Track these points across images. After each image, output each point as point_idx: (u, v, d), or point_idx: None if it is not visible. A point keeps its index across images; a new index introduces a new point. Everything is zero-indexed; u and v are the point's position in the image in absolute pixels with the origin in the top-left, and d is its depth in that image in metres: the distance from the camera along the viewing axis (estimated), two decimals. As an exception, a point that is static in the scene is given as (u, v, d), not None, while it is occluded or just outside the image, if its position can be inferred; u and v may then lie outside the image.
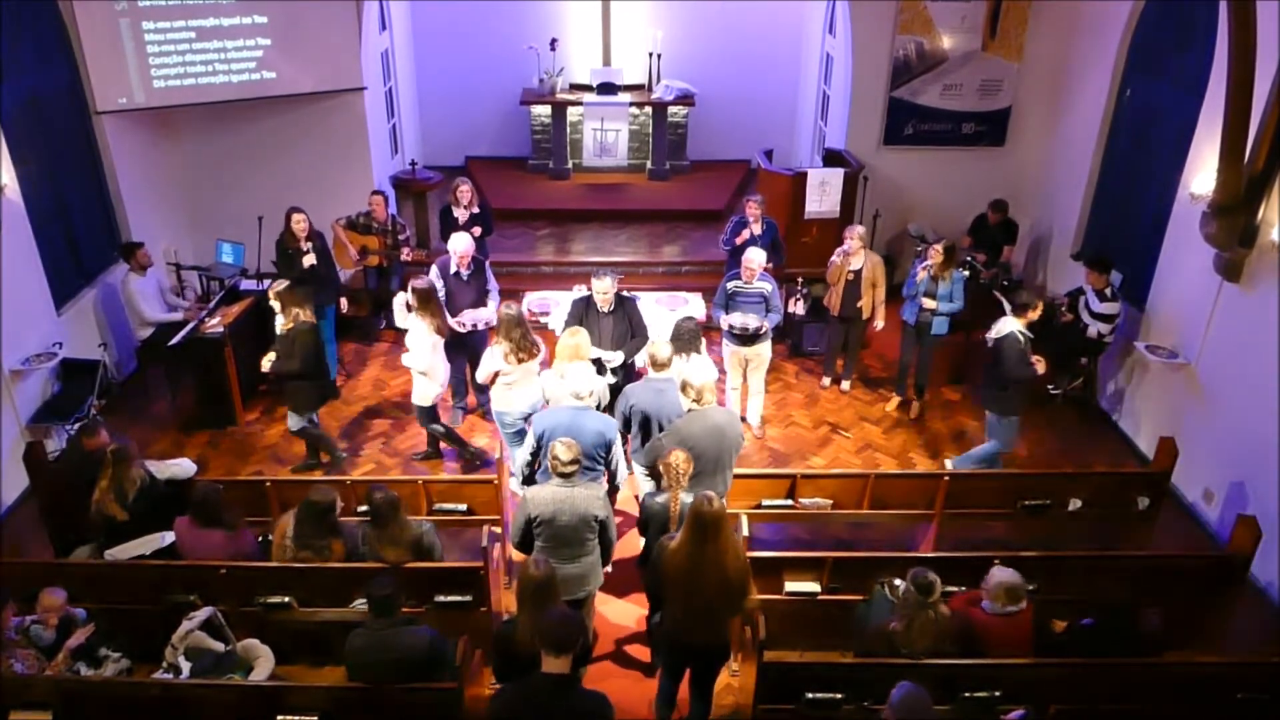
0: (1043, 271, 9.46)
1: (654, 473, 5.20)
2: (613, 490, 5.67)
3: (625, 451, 5.70)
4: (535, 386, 6.39)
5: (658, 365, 5.71)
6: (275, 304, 6.59)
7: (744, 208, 7.98)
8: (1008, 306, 6.87)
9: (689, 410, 5.33)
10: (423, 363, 6.59)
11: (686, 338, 6.25)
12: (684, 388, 5.32)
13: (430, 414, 6.99)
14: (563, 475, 4.75)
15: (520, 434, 6.39)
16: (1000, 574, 4.62)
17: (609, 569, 5.23)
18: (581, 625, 3.87)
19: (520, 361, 6.21)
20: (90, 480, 5.38)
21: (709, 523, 4.24)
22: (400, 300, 6.70)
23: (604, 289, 6.43)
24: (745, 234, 7.82)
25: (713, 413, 5.32)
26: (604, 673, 5.52)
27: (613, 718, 3.79)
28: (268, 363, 6.65)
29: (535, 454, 5.46)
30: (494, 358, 6.24)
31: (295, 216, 7.48)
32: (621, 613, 5.94)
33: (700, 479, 5.05)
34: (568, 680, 3.69)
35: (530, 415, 6.30)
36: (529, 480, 5.54)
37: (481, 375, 6.42)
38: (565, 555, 4.86)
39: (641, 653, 5.67)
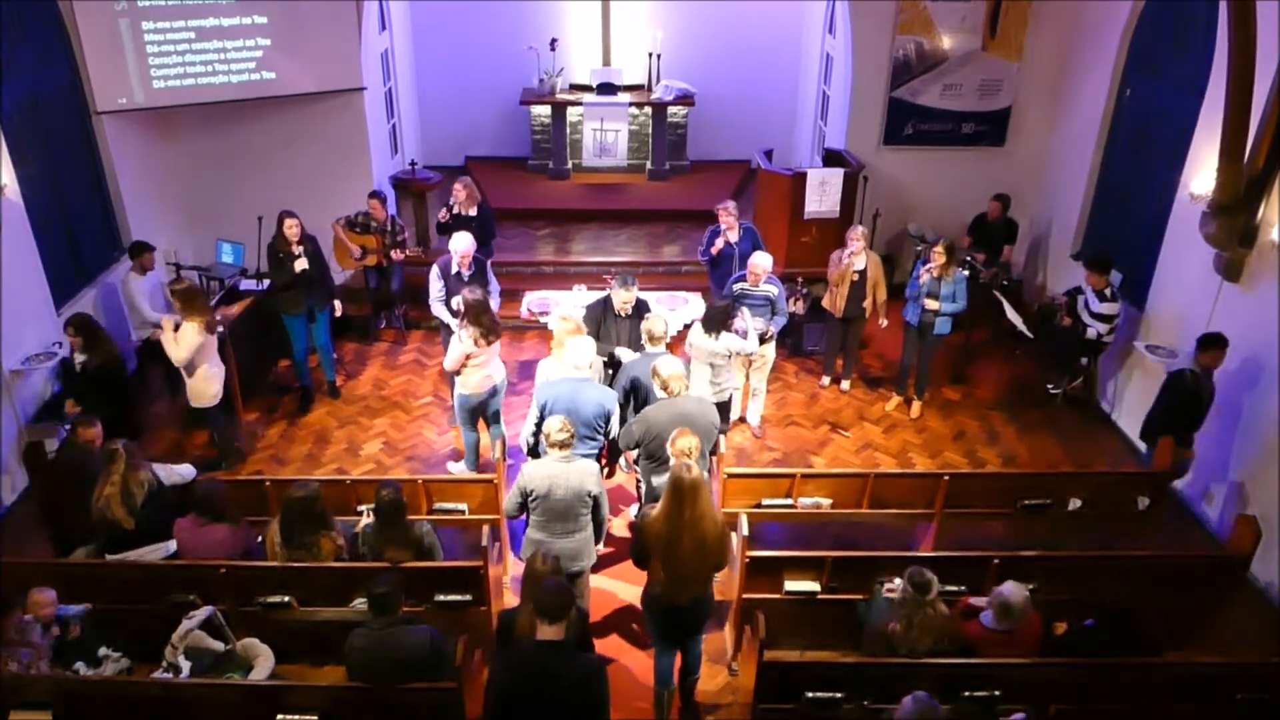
0: (1042, 271, 9.46)
1: (649, 455, 5.50)
2: (614, 459, 6.23)
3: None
4: (496, 367, 6.70)
5: (654, 339, 5.92)
6: (75, 340, 6.20)
7: (719, 217, 7.77)
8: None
9: (659, 399, 5.49)
10: (186, 360, 6.51)
11: (717, 318, 6.47)
12: (652, 374, 5.50)
13: (203, 416, 6.87)
14: (558, 450, 4.94)
15: (474, 416, 6.76)
16: (1005, 588, 4.58)
17: (600, 547, 5.39)
18: (573, 596, 4.02)
19: (488, 344, 6.41)
20: (90, 477, 5.37)
21: (687, 490, 4.46)
22: (168, 322, 6.50)
23: (627, 298, 6.48)
24: (719, 243, 7.74)
25: (681, 402, 5.48)
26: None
27: (605, 680, 3.97)
28: (71, 405, 6.37)
29: (539, 425, 5.64)
30: (464, 343, 6.37)
31: (287, 221, 7.41)
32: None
33: (668, 464, 5.15)
34: (562, 646, 3.88)
35: (491, 396, 6.67)
36: (533, 451, 5.77)
37: (451, 363, 6.50)
38: (559, 530, 5.04)
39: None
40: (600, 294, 6.92)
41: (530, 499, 5.02)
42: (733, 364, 6.80)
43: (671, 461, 4.77)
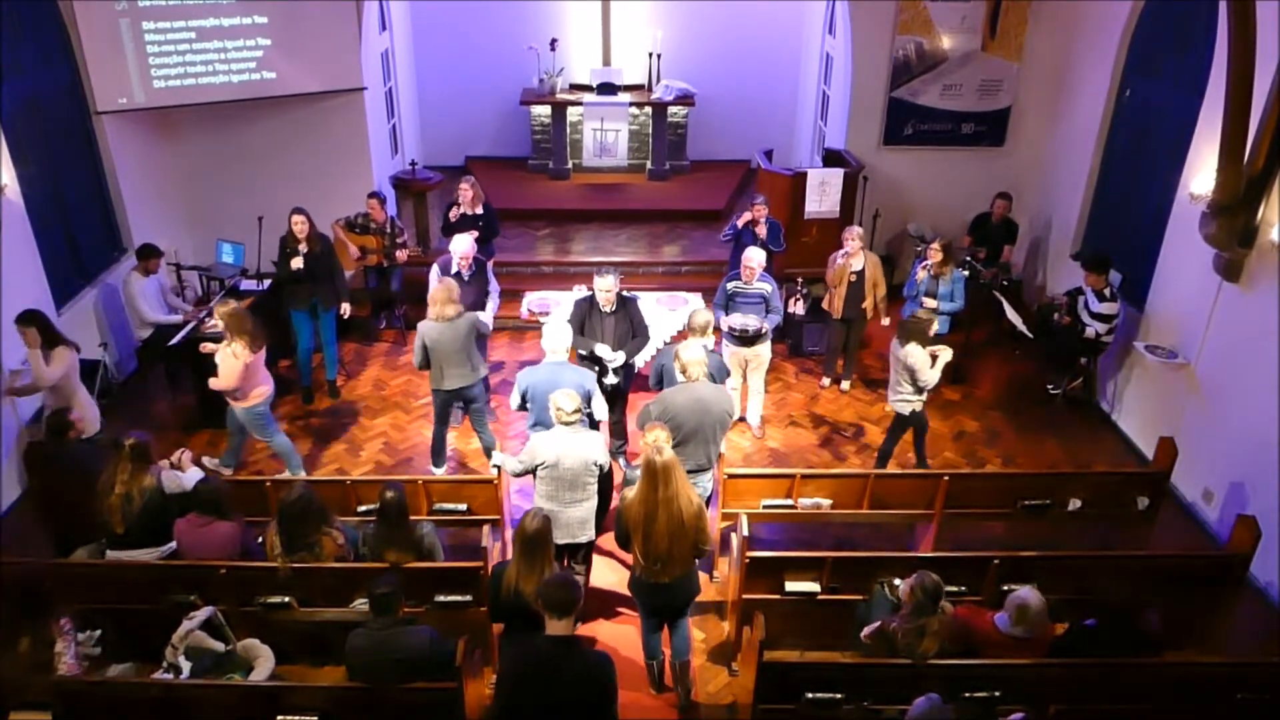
0: (1042, 271, 9.47)
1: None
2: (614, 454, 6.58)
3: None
4: (266, 375, 6.70)
5: (694, 330, 6.11)
6: None
7: (746, 207, 7.95)
8: None
9: (679, 382, 5.64)
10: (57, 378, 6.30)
11: (908, 327, 6.41)
12: (674, 358, 5.67)
13: None
14: (566, 424, 5.15)
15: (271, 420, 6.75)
16: (1024, 592, 4.59)
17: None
18: (580, 591, 4.02)
19: (256, 351, 6.42)
20: (88, 474, 5.36)
21: (659, 471, 4.63)
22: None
23: (606, 286, 6.43)
24: (746, 217, 7.85)
25: (699, 387, 5.58)
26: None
27: (613, 676, 3.98)
28: None
29: (524, 409, 5.91)
30: (240, 357, 6.29)
31: (295, 218, 7.44)
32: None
33: (682, 448, 5.36)
34: (570, 641, 3.90)
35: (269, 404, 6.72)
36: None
37: (230, 381, 6.35)
38: (568, 499, 5.22)
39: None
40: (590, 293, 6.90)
41: (540, 468, 5.22)
42: (904, 378, 6.46)
43: (660, 445, 4.85)
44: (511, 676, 3.99)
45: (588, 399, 5.79)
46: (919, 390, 6.44)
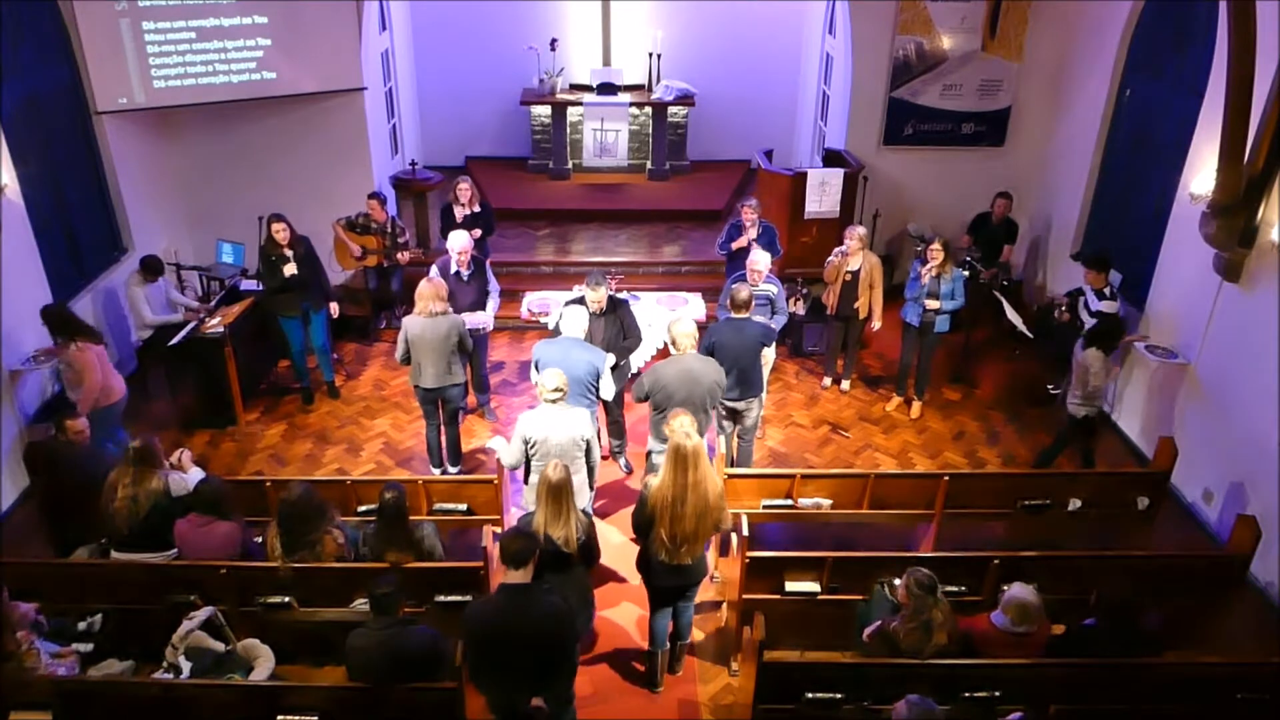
0: (1042, 271, 9.47)
1: (655, 406, 5.87)
2: (616, 453, 7.12)
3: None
4: (115, 373, 6.68)
5: (738, 306, 6.30)
6: None
7: (739, 212, 7.92)
8: None
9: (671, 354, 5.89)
10: None
11: (1099, 333, 6.59)
12: (667, 331, 5.92)
13: None
14: (549, 401, 5.30)
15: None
16: (1018, 589, 4.60)
17: (591, 494, 5.72)
18: (536, 543, 4.30)
19: (98, 342, 6.47)
20: (82, 470, 5.35)
21: (688, 455, 4.72)
22: None
23: (597, 297, 6.44)
24: (742, 240, 7.76)
25: (688, 359, 5.81)
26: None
27: (570, 622, 4.25)
28: None
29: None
30: (83, 347, 6.28)
31: (275, 225, 7.36)
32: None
33: (669, 418, 5.36)
34: (527, 589, 4.14)
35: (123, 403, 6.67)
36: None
37: (94, 373, 6.29)
38: None
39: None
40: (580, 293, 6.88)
41: (529, 446, 5.36)
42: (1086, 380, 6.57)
43: (688, 430, 4.89)
44: (471, 624, 4.18)
45: (597, 377, 5.96)
46: (1089, 396, 6.59)
